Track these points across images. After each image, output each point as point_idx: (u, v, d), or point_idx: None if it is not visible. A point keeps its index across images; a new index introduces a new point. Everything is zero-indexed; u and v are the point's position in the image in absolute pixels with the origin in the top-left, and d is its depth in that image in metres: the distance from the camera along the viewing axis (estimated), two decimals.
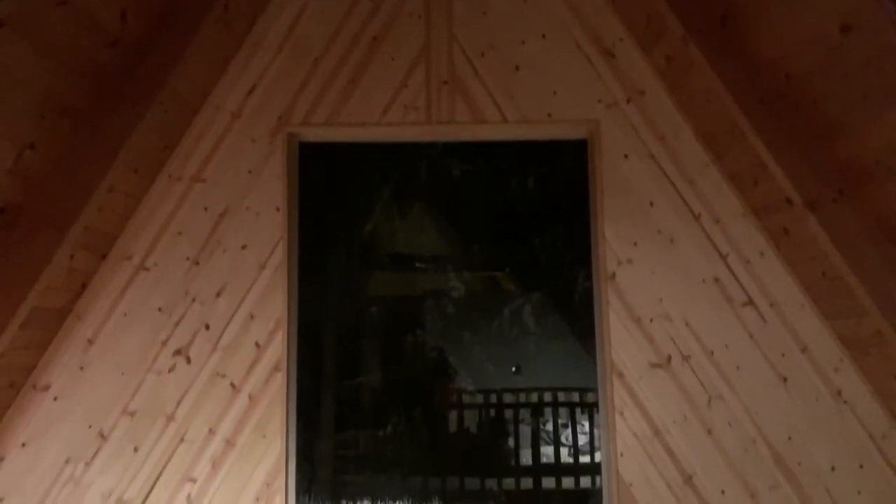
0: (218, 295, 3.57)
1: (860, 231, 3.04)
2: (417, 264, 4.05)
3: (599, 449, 3.68)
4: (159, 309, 3.56)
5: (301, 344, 3.72)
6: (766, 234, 3.55)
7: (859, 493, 3.43)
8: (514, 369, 3.98)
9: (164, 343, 3.55)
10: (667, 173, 3.61)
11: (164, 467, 3.47)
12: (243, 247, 3.60)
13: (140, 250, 3.60)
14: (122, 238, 3.60)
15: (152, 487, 3.46)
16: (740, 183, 3.54)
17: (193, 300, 3.57)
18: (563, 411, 3.91)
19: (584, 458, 3.79)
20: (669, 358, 3.53)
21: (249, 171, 3.63)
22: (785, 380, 3.50)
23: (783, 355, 3.51)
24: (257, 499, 3.46)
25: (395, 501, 3.65)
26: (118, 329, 3.54)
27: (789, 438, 3.46)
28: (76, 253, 3.31)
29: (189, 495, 3.46)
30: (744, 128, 3.23)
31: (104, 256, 3.57)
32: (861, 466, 3.44)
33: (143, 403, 3.51)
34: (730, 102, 3.24)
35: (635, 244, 3.60)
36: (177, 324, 3.56)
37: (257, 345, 3.55)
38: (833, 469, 3.44)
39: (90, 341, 3.53)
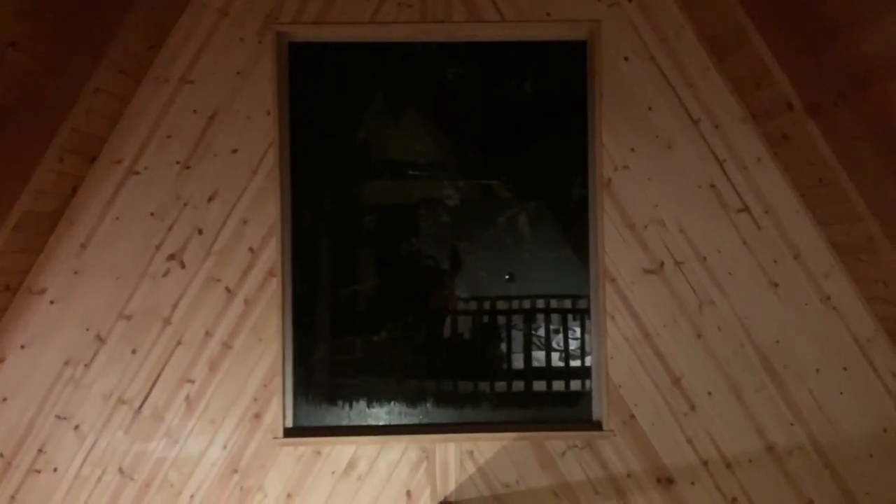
0: (210, 199, 3.65)
1: (859, 136, 3.12)
2: (411, 172, 4.09)
3: (590, 353, 3.86)
4: (151, 213, 3.64)
5: (296, 250, 3.82)
6: (764, 140, 3.62)
7: (842, 394, 3.63)
8: (507, 277, 4.10)
9: (158, 248, 3.64)
10: (667, 77, 3.64)
11: (163, 369, 3.64)
12: (234, 151, 3.64)
13: (130, 154, 3.64)
14: (111, 141, 3.64)
15: (151, 388, 3.63)
16: (741, 87, 3.58)
17: (185, 205, 3.65)
18: (554, 317, 4.07)
19: (575, 363, 3.96)
20: (662, 264, 3.65)
21: (238, 73, 3.63)
22: (776, 285, 3.63)
23: (775, 261, 3.63)
24: (255, 399, 3.64)
25: (389, 402, 3.84)
26: (111, 233, 3.64)
27: (777, 342, 3.64)
28: (65, 156, 3.36)
29: (188, 395, 3.63)
30: (747, 28, 3.25)
31: (94, 160, 3.62)
32: (845, 369, 3.63)
33: (139, 307, 3.63)
34: (734, 1, 3.23)
35: (632, 150, 3.66)
36: (169, 228, 3.65)
37: (251, 250, 3.65)
38: (818, 371, 3.63)
39: (83, 246, 3.62)
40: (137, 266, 3.67)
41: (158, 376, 3.67)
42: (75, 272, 3.65)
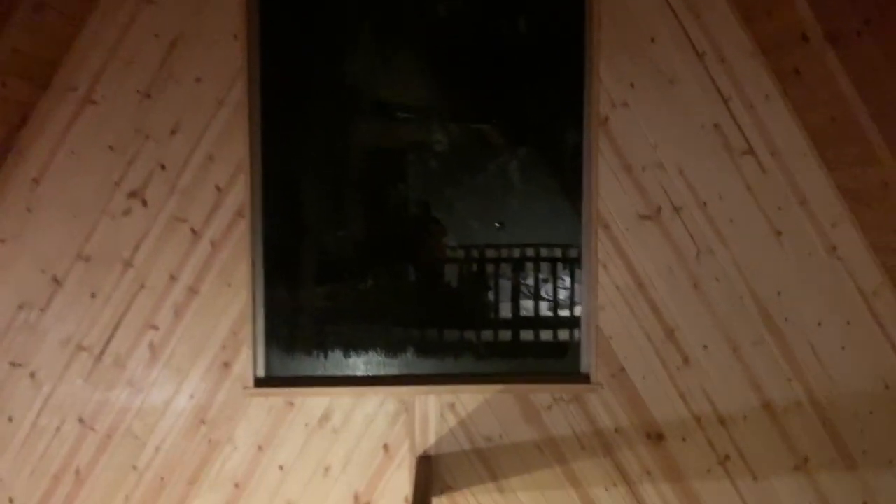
0: (173, 133, 3.41)
1: (885, 68, 2.87)
2: (399, 114, 3.84)
3: (580, 304, 3.68)
4: (110, 147, 3.41)
5: (268, 191, 3.59)
6: (774, 76, 3.40)
7: (843, 348, 3.50)
8: (497, 225, 3.89)
9: (118, 184, 3.42)
10: (671, 4, 3.38)
11: (124, 314, 3.45)
12: (198, 79, 3.39)
13: (85, 81, 3.39)
14: (64, 66, 3.39)
15: (112, 334, 3.45)
16: (751, 16, 3.34)
17: (147, 138, 3.41)
18: (544, 266, 3.90)
19: (564, 313, 3.79)
20: (659, 209, 3.45)
21: None
22: (779, 234, 3.46)
23: (780, 208, 3.45)
24: (223, 347, 3.48)
25: (367, 352, 3.67)
26: (66, 168, 3.41)
27: (778, 294, 3.47)
28: (8, 80, 3.11)
29: (152, 342, 3.46)
30: None
31: (45, 87, 3.35)
32: (848, 322, 3.49)
33: (98, 248, 3.43)
34: None
35: (632, 85, 3.43)
36: (130, 163, 3.42)
37: (218, 188, 3.43)
38: (819, 325, 3.48)
39: (36, 181, 3.39)
40: (96, 204, 3.45)
41: (120, 322, 3.49)
42: (28, 209, 3.43)
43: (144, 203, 3.47)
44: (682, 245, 3.51)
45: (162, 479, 3.54)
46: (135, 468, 3.53)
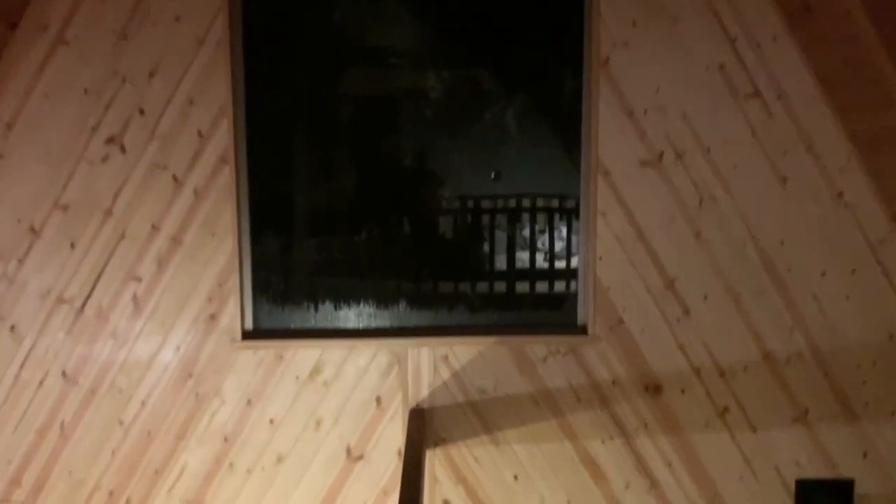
0: (151, 75, 3.26)
1: None
2: (392, 60, 3.67)
3: (577, 254, 3.58)
4: (85, 90, 3.26)
5: (253, 136, 3.46)
6: (782, 14, 3.27)
7: (847, 298, 3.43)
8: (492, 175, 3.76)
9: (95, 129, 3.28)
10: None
11: (106, 265, 3.35)
12: (177, 18, 3.24)
13: (56, 20, 3.23)
14: (34, 4, 3.20)
15: (94, 286, 3.35)
16: None
17: (124, 80, 3.26)
18: (540, 217, 3.79)
19: (561, 264, 3.69)
20: (661, 155, 3.33)
21: None
22: (784, 180, 3.34)
23: (786, 153, 3.33)
24: (209, 299, 3.38)
25: (359, 304, 3.58)
26: (40, 112, 3.27)
27: (782, 243, 3.38)
28: None
29: (135, 294, 3.36)
30: None
31: (14, 25, 3.19)
32: (853, 272, 3.40)
33: (76, 196, 3.31)
34: None
35: (634, 24, 3.28)
36: (107, 107, 3.27)
37: (200, 134, 3.30)
38: (824, 275, 3.40)
39: (8, 126, 3.26)
40: (72, 150, 3.31)
41: (101, 273, 3.38)
42: (1, 156, 3.28)
43: (123, 149, 3.33)
44: (683, 193, 3.40)
45: (149, 433, 3.48)
46: (121, 423, 3.46)
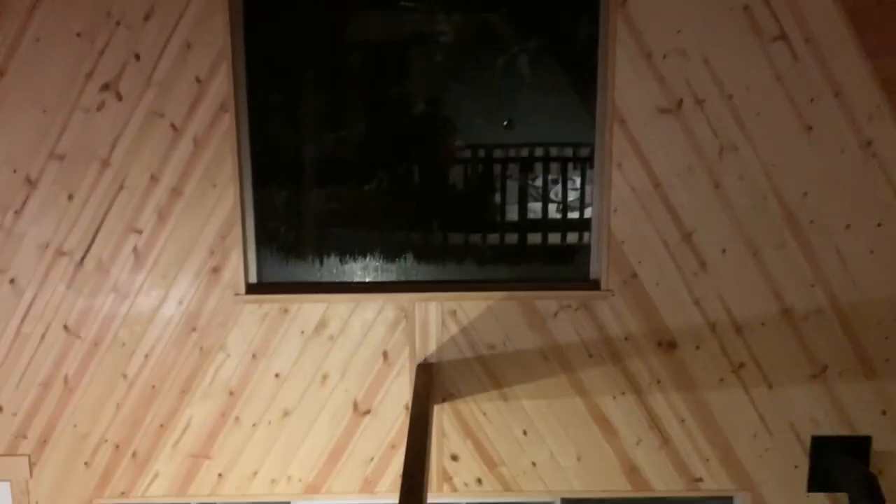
0: (146, 18, 3.14)
1: None
2: (401, 2, 3.51)
3: (591, 206, 3.46)
4: (78, 34, 3.15)
5: (254, 83, 3.33)
6: None
7: (872, 252, 3.33)
8: (505, 123, 3.63)
9: (89, 76, 3.17)
10: None
11: (105, 217, 3.29)
12: None
13: None
14: None
15: (93, 238, 3.29)
16: None
17: (118, 24, 3.15)
18: (553, 167, 3.66)
19: (574, 216, 3.58)
20: (681, 102, 3.19)
21: None
22: (810, 129, 3.20)
23: (812, 100, 3.18)
24: (212, 252, 3.31)
25: (365, 257, 3.49)
26: (31, 58, 3.17)
27: (805, 194, 3.26)
28: None
29: (135, 247, 3.30)
30: None
31: None
32: (879, 225, 3.30)
33: (71, 146, 3.22)
34: None
35: None
36: (101, 53, 3.16)
37: (198, 80, 3.19)
38: (848, 227, 3.29)
39: (0, 73, 3.11)
40: (66, 97, 3.21)
41: (100, 225, 3.31)
42: None
43: (119, 97, 3.22)
44: (703, 141, 3.26)
45: (153, 387, 3.45)
46: (125, 376, 3.43)
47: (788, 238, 3.33)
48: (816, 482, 3.50)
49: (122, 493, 3.53)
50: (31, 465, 3.49)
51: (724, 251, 3.35)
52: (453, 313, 3.44)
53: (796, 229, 3.32)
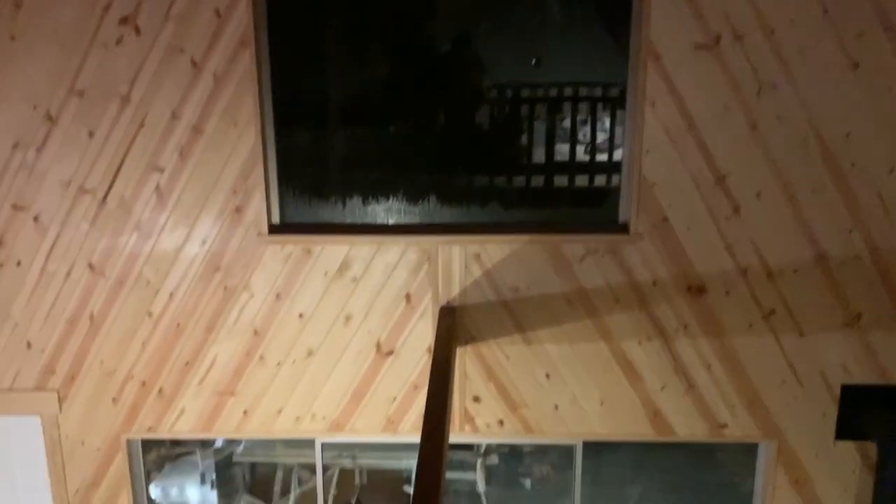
0: None
1: None
2: None
3: (621, 146, 3.35)
4: None
5: (275, 17, 3.22)
6: None
7: None
8: (533, 62, 3.51)
9: (106, 9, 3.12)
10: None
11: (126, 155, 3.26)
12: None
13: None
14: None
15: (115, 176, 3.28)
16: None
17: None
18: (582, 107, 3.53)
19: (603, 157, 3.47)
20: (719, 38, 3.05)
21: None
22: (856, 66, 3.06)
23: (860, 35, 3.04)
24: (234, 192, 3.28)
25: (389, 198, 3.43)
26: None
27: (847, 136, 3.12)
28: None
29: (157, 186, 3.28)
30: None
31: None
32: None
33: (91, 81, 3.18)
34: None
35: None
36: None
37: (217, 13, 3.12)
38: (891, 171, 3.20)
39: (17, 5, 3.09)
40: (83, 32, 3.16)
41: (122, 163, 3.29)
42: (11, 38, 3.14)
43: (137, 31, 3.15)
44: (741, 79, 3.13)
45: (178, 325, 3.47)
46: (150, 315, 3.46)
47: (827, 182, 3.21)
48: (844, 431, 3.46)
49: (150, 428, 3.60)
50: (60, 401, 3.56)
51: (758, 195, 3.24)
52: (477, 256, 3.39)
53: (836, 173, 3.20)
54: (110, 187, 3.32)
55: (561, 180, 3.58)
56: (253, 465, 4.38)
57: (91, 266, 3.40)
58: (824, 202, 3.23)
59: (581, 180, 3.57)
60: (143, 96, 3.22)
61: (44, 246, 3.38)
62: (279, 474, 4.29)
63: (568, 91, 3.62)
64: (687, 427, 3.52)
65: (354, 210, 3.51)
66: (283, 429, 3.61)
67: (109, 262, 3.40)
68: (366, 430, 3.61)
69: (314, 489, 3.80)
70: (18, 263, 3.39)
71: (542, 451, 3.94)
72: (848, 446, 3.51)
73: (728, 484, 3.95)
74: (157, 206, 3.34)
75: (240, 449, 4.21)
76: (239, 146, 3.28)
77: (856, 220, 3.24)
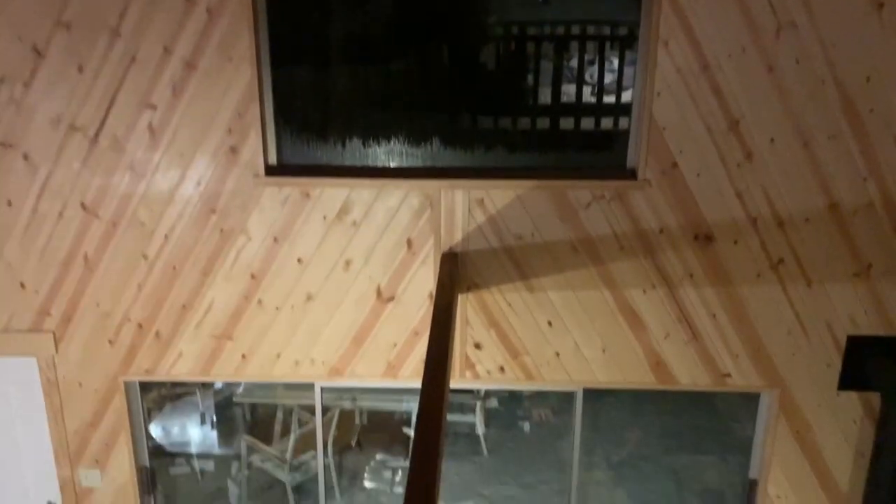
0: None
1: None
2: None
3: (630, 88, 3.23)
4: None
5: None
6: None
7: None
8: None
9: None
10: None
11: (117, 91, 3.15)
12: None
13: None
14: None
15: (107, 114, 3.17)
16: None
17: None
18: (590, 47, 3.38)
19: (611, 99, 3.35)
20: None
21: None
22: (881, 6, 2.94)
23: None
24: (229, 131, 3.18)
25: (390, 140, 3.33)
26: None
27: (867, 80, 3.02)
28: None
29: (150, 124, 3.18)
30: None
31: None
32: None
33: (78, 13, 3.07)
34: None
35: None
36: None
37: None
38: None
39: None
40: None
41: (113, 100, 3.18)
42: None
43: None
44: (759, 18, 3.00)
45: (174, 268, 3.41)
46: (145, 257, 3.39)
47: (844, 127, 3.11)
48: (848, 381, 3.44)
49: (147, 370, 3.58)
50: (56, 342, 3.53)
51: (772, 140, 3.14)
52: (480, 202, 3.31)
53: (854, 118, 3.09)
54: (102, 125, 3.21)
55: (567, 123, 3.47)
56: (253, 406, 4.40)
57: (84, 206, 3.32)
58: (840, 149, 3.14)
59: (588, 123, 3.45)
60: (133, 29, 3.09)
61: (35, 185, 3.29)
62: (279, 415, 4.31)
63: (575, 30, 3.48)
64: (689, 376, 3.50)
65: (355, 152, 3.41)
66: (282, 373, 3.59)
67: (103, 202, 3.32)
68: (366, 374, 3.59)
69: (314, 430, 3.80)
70: (9, 203, 3.32)
71: (541, 395, 3.94)
72: (851, 397, 3.50)
73: (726, 429, 3.97)
74: (150, 145, 3.24)
75: (240, 390, 4.21)
76: (234, 83, 3.16)
77: (871, 167, 3.15)
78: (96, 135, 3.22)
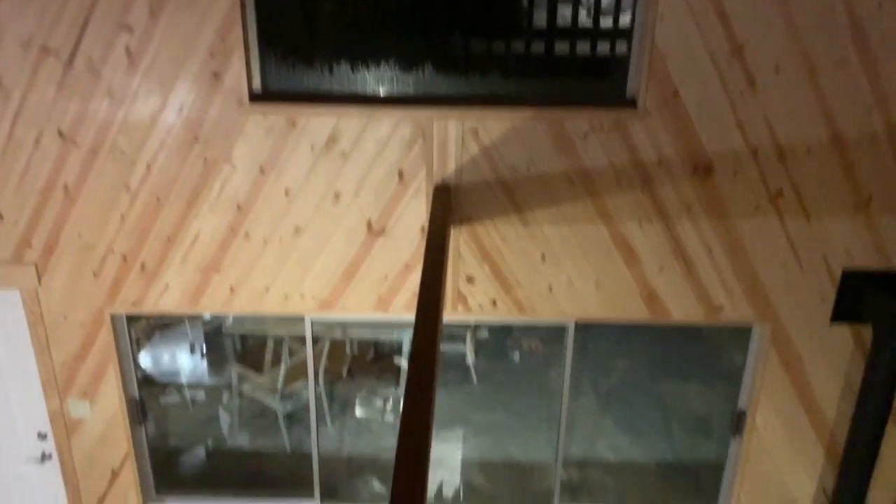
0: None
1: None
2: None
3: (632, 11, 3.09)
4: None
5: None
6: None
7: None
8: None
9: None
10: None
11: (91, 12, 3.00)
12: None
13: None
14: None
15: (81, 35, 3.02)
16: None
17: None
18: None
19: (610, 23, 3.20)
20: None
21: None
22: None
23: None
24: (211, 55, 3.03)
25: (379, 65, 3.19)
26: None
27: (880, 6, 2.96)
28: None
29: (127, 47, 3.02)
30: None
31: None
32: None
33: None
34: None
35: None
36: None
37: None
38: None
39: None
40: None
41: (87, 21, 3.01)
42: None
43: None
44: None
45: (157, 199, 3.32)
46: (127, 187, 3.29)
47: (852, 55, 3.00)
48: (841, 314, 3.44)
49: (134, 303, 3.53)
50: (39, 274, 3.45)
51: (777, 68, 3.04)
52: (474, 132, 3.20)
53: (863, 45, 2.98)
54: (76, 48, 3.05)
55: (563, 48, 3.32)
56: (243, 336, 4.38)
57: (61, 133, 3.19)
58: (846, 77, 3.04)
59: (583, 47, 3.31)
60: None
61: (8, 111, 3.15)
62: (270, 345, 4.30)
63: None
64: (682, 309, 3.49)
65: (343, 78, 3.28)
66: (271, 306, 3.55)
67: (81, 129, 3.19)
68: (356, 308, 3.55)
69: (305, 361, 3.79)
70: None
71: (531, 327, 3.93)
72: (843, 330, 3.50)
73: (715, 359, 3.99)
74: (128, 70, 3.09)
75: (229, 322, 4.18)
76: (215, 4, 3.00)
77: (877, 97, 3.06)
78: (70, 58, 3.06)
